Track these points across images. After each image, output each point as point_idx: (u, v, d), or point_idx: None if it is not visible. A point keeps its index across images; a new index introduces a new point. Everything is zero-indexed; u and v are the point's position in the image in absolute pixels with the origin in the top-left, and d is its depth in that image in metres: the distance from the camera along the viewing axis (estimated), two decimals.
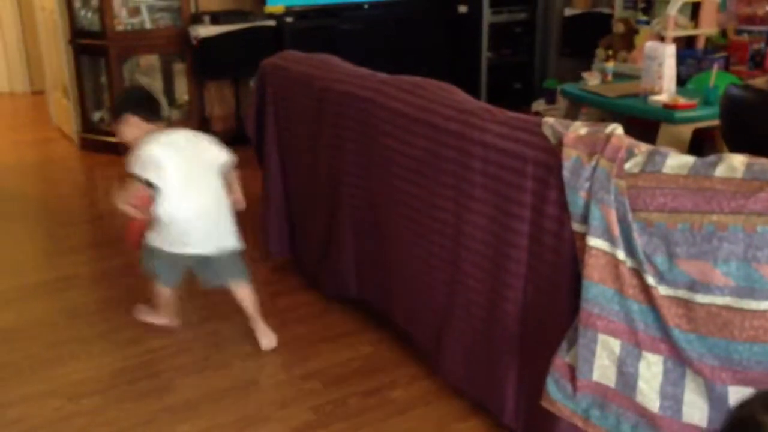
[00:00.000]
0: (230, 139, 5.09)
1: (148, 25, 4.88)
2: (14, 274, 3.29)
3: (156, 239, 2.54)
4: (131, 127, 2.54)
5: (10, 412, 2.33)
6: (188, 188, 2.49)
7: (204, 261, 2.56)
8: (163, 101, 5.05)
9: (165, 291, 2.67)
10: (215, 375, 2.51)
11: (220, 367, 2.55)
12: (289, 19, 4.98)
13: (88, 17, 4.84)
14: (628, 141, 1.78)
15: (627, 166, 1.71)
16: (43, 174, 4.58)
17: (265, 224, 3.16)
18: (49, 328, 2.82)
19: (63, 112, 5.28)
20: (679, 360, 1.67)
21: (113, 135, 4.77)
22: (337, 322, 2.82)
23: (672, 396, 1.68)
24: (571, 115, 4.01)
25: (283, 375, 2.51)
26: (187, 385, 2.45)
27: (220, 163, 2.63)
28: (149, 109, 2.59)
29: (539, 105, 5.64)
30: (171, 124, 5.02)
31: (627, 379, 1.72)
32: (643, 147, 1.76)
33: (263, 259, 3.24)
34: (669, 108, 3.39)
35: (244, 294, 2.66)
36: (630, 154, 1.73)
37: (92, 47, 4.79)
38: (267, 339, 2.67)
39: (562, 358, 1.80)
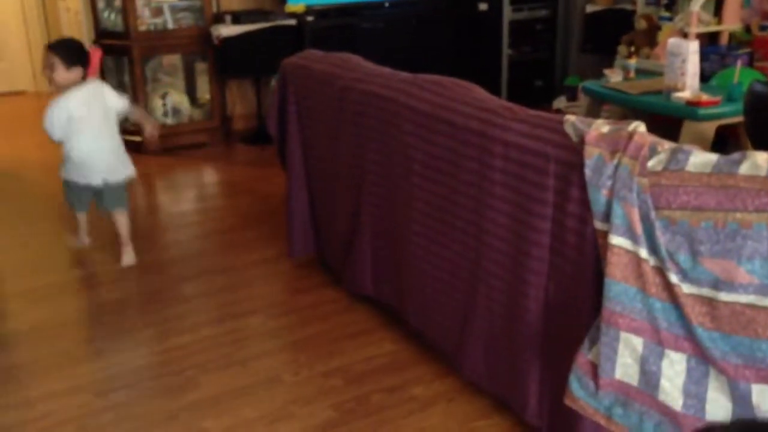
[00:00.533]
0: (252, 137, 5.18)
1: (170, 25, 4.93)
2: (43, 272, 3.35)
3: (65, 173, 3.28)
4: (57, 70, 3.15)
5: (39, 408, 2.37)
6: (86, 132, 3.18)
7: (98, 192, 3.28)
8: (185, 100, 5.10)
9: (79, 216, 3.44)
10: (238, 371, 2.53)
11: (242, 363, 2.58)
12: (309, 18, 5.00)
13: (111, 18, 4.90)
14: (651, 138, 1.77)
15: (650, 163, 1.71)
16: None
17: (289, 222, 3.18)
18: (77, 325, 2.87)
19: None
20: (702, 358, 1.66)
21: (137, 134, 4.85)
22: (360, 320, 2.83)
23: (695, 394, 1.68)
24: (593, 112, 4.00)
25: (305, 372, 2.53)
26: (211, 382, 2.48)
27: (117, 109, 3.31)
28: (70, 57, 3.17)
29: (560, 102, 5.61)
30: (192, 122, 5.08)
31: (650, 377, 1.72)
32: (666, 145, 1.76)
33: (287, 256, 3.26)
34: (692, 105, 3.36)
35: (121, 221, 3.35)
36: (653, 151, 1.73)
37: (116, 47, 4.85)
38: (128, 257, 3.33)
39: (584, 356, 1.80)
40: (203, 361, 2.59)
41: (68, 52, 3.16)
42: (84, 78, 3.20)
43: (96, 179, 3.23)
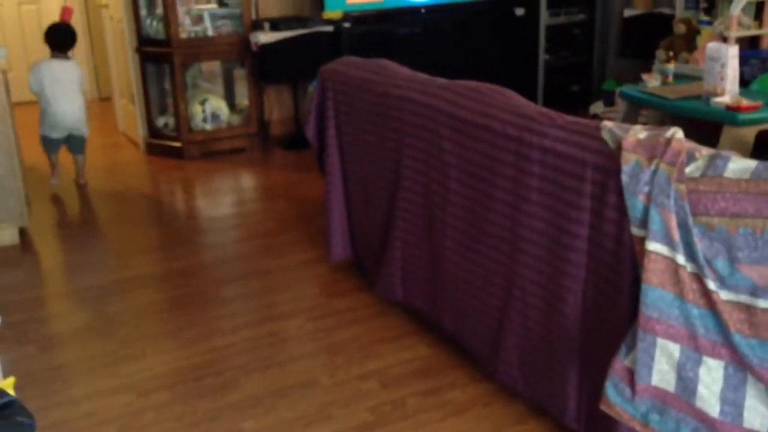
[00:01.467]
0: (289, 142, 5.25)
1: (210, 33, 5.02)
2: (89, 274, 3.44)
3: (42, 127, 4.43)
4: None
5: (83, 406, 2.44)
6: (56, 95, 4.34)
7: (66, 141, 4.49)
8: (223, 106, 5.19)
9: (53, 158, 4.50)
10: (277, 373, 2.58)
11: (281, 365, 2.63)
12: (347, 25, 5.05)
13: (153, 26, 5.00)
14: (689, 145, 1.77)
15: (688, 170, 1.71)
16: (112, 178, 4.76)
17: (327, 226, 3.22)
18: (121, 326, 2.94)
19: (129, 117, 5.47)
20: (740, 365, 1.65)
21: (178, 140, 4.95)
22: (396, 323, 2.86)
23: (733, 401, 1.67)
24: (630, 117, 3.97)
25: (342, 374, 2.56)
26: (251, 383, 2.53)
27: (80, 80, 4.48)
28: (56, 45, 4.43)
29: (597, 107, 5.58)
30: (231, 127, 5.16)
31: (687, 383, 1.72)
32: (704, 151, 1.75)
33: (325, 260, 3.31)
34: (732, 110, 3.33)
35: (80, 161, 4.57)
36: (691, 158, 1.73)
37: (157, 55, 4.96)
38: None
39: (621, 362, 1.81)
40: (243, 363, 2.64)
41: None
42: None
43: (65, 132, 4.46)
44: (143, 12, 5.00)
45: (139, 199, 4.43)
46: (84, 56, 6.67)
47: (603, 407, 1.84)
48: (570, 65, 5.85)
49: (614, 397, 1.82)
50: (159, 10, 4.93)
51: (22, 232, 3.79)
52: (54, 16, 6.61)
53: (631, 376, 1.79)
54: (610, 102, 5.44)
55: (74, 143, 4.49)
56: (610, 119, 2.03)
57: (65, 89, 4.34)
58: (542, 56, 5.69)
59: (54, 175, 4.52)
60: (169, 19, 4.81)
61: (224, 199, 4.49)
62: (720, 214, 1.63)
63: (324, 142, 3.17)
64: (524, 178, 2.12)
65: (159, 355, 2.72)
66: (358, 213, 3.11)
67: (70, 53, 4.46)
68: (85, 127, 4.51)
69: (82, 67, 4.67)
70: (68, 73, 4.38)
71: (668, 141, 1.77)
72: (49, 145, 4.46)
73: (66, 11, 4.56)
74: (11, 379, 1.46)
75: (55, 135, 4.41)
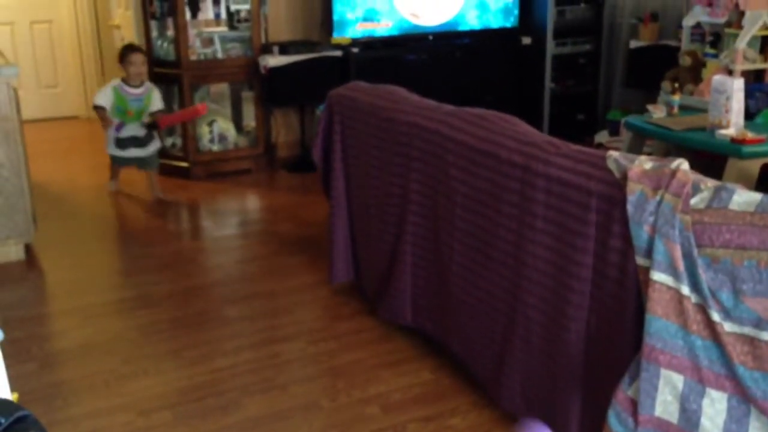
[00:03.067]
0: (295, 164, 5.28)
1: (220, 55, 5.07)
2: (94, 292, 3.44)
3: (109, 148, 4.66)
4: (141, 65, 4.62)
5: (84, 425, 2.44)
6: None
7: (135, 160, 4.71)
8: (231, 127, 5.23)
9: (116, 168, 4.77)
10: (278, 395, 2.57)
11: (282, 387, 2.62)
12: (355, 50, 5.11)
13: (164, 47, 5.06)
14: (694, 176, 1.79)
15: (693, 201, 1.72)
16: (120, 196, 4.78)
17: (330, 249, 3.23)
18: (124, 344, 2.94)
19: None
20: (743, 398, 1.65)
21: (185, 160, 4.98)
22: (398, 348, 2.86)
23: None
24: (635, 147, 4.00)
25: (343, 398, 2.56)
26: (252, 404, 2.52)
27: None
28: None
29: (602, 136, 5.61)
30: (238, 148, 5.19)
31: (690, 415, 1.72)
32: (710, 182, 1.77)
33: (328, 282, 3.31)
34: (737, 142, 3.35)
35: (153, 177, 4.73)
36: (696, 189, 1.74)
37: (167, 76, 5.01)
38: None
39: (624, 392, 1.81)
40: (245, 384, 2.64)
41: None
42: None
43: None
44: (154, 33, 5.06)
45: (145, 219, 4.44)
46: (94, 76, 6.75)
47: None
48: (575, 94, 5.89)
49: (616, 427, 1.81)
50: (170, 32, 4.99)
51: (28, 249, 3.80)
52: (66, 35, 6.71)
53: (634, 406, 1.78)
54: (614, 132, 5.47)
55: (142, 162, 4.70)
56: (614, 149, 2.05)
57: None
58: (548, 85, 5.74)
59: (112, 182, 4.79)
60: (179, 41, 4.86)
61: (229, 219, 4.51)
62: (725, 245, 1.64)
63: (330, 165, 3.19)
64: (529, 205, 2.13)
65: (161, 374, 2.71)
66: (362, 236, 3.12)
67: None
68: (154, 145, 4.71)
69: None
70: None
71: (673, 172, 1.79)
72: (116, 161, 4.72)
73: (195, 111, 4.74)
74: (15, 396, 1.47)
75: (121, 155, 4.64)
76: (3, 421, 0.81)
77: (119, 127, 4.58)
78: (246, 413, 2.47)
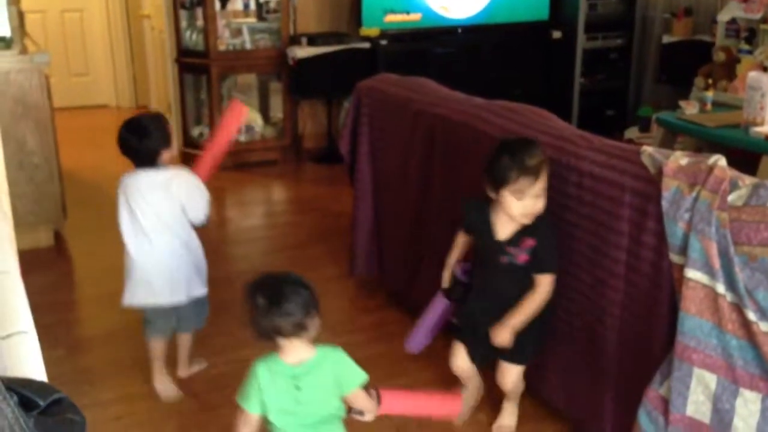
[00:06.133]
0: (321, 156, 5.28)
1: (248, 46, 5.08)
2: (121, 280, 3.40)
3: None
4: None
5: (111, 410, 2.46)
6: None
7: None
8: (258, 118, 5.24)
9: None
10: None
11: None
12: (383, 42, 5.08)
13: (193, 38, 5.08)
14: (732, 173, 1.75)
15: (730, 198, 1.68)
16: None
17: (354, 242, 3.22)
18: None
19: None
20: None
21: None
22: None
23: None
24: (667, 143, 3.93)
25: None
26: None
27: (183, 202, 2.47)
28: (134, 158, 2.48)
29: (632, 132, 5.53)
30: (264, 139, 5.20)
31: (722, 416, 1.69)
32: (748, 180, 1.73)
33: (350, 275, 3.31)
34: None
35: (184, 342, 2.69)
36: (734, 186, 1.70)
37: (196, 66, 5.03)
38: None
39: (655, 390, 1.78)
40: None
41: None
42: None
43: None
44: (184, 23, 5.08)
45: None
46: (124, 65, 6.79)
47: None
48: (606, 89, 5.82)
49: (647, 426, 1.79)
50: (199, 22, 5.01)
51: (57, 236, 3.84)
52: (97, 23, 6.76)
53: (665, 405, 1.76)
54: (645, 128, 5.39)
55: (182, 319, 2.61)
56: (645, 145, 2.01)
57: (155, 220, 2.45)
58: (578, 80, 5.67)
59: (157, 377, 2.62)
60: (208, 31, 4.88)
61: (255, 210, 4.52)
62: (763, 244, 1.61)
63: (356, 156, 3.18)
64: (561, 199, 2.10)
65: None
66: (388, 228, 3.11)
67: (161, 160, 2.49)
68: (201, 286, 2.59)
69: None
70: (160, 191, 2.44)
71: (710, 168, 1.75)
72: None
73: (237, 111, 2.73)
74: (45, 378, 1.48)
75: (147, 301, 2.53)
76: (41, 403, 0.81)
77: None
78: None
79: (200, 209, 2.48)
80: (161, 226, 2.43)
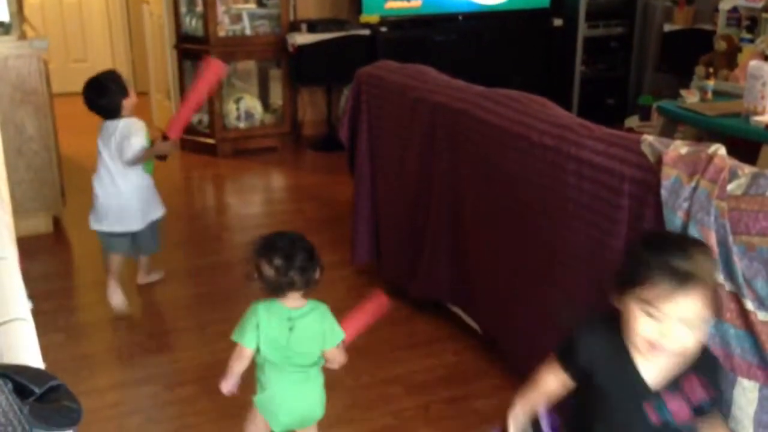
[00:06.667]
0: (320, 143, 5.27)
1: (248, 32, 5.06)
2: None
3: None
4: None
5: (109, 396, 2.47)
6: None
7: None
8: (257, 105, 5.22)
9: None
10: None
11: None
12: (383, 29, 5.06)
13: (192, 24, 5.06)
14: (731, 162, 1.75)
15: (729, 187, 1.68)
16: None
17: (353, 230, 3.22)
18: (149, 318, 2.97)
19: (164, 113, 5.52)
20: None
21: (212, 137, 4.99)
22: (422, 330, 2.85)
23: (767, 424, 1.64)
24: (667, 132, 3.92)
25: (366, 378, 2.56)
26: None
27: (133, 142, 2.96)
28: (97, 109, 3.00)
29: (633, 121, 5.53)
30: (264, 125, 5.19)
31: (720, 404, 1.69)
32: (747, 169, 1.73)
33: (349, 263, 3.31)
34: None
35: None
36: (733, 175, 1.70)
37: (195, 52, 5.00)
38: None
39: None
40: None
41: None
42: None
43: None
44: (183, 9, 5.05)
45: (170, 195, 4.45)
46: (123, 51, 6.76)
47: None
48: (606, 78, 5.81)
49: None
50: (199, 8, 4.98)
51: (56, 222, 3.84)
52: (96, 9, 6.73)
53: None
54: (645, 117, 5.38)
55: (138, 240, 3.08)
56: (646, 134, 2.01)
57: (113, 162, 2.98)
58: (578, 68, 5.66)
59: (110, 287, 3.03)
60: (208, 17, 4.85)
61: (254, 197, 4.52)
62: (761, 233, 1.61)
63: (356, 144, 3.17)
64: (560, 188, 2.10)
65: (185, 349, 2.74)
66: (387, 216, 3.11)
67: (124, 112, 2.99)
68: (157, 212, 3.11)
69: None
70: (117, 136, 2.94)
71: (710, 157, 1.75)
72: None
73: (213, 68, 2.98)
74: (42, 365, 1.48)
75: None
76: (37, 390, 0.81)
77: None
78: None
79: (129, 151, 2.90)
80: (119, 167, 2.94)
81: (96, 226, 3.00)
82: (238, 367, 1.96)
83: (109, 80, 2.94)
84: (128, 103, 2.95)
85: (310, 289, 1.93)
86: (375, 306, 2.32)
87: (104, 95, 2.92)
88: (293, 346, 1.92)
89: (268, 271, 1.87)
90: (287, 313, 1.91)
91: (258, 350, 1.93)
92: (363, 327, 2.33)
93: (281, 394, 1.97)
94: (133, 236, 3.02)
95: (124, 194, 2.95)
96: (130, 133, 2.92)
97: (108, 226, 2.97)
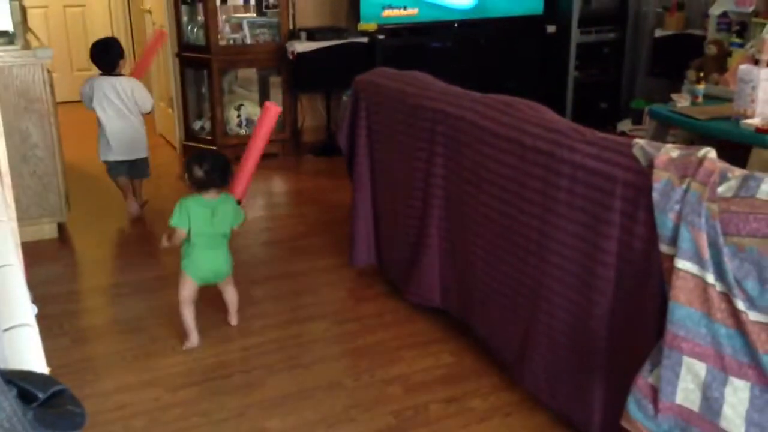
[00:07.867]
0: (320, 149, 5.32)
1: (248, 40, 5.11)
2: (123, 271, 3.52)
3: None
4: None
5: (112, 399, 2.50)
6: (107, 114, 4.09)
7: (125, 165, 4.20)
8: (258, 112, 5.26)
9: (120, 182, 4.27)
10: (302, 374, 2.62)
11: (306, 366, 2.67)
12: (381, 37, 5.12)
13: (194, 32, 5.11)
14: (722, 165, 1.79)
15: (720, 190, 1.72)
16: (148, 178, 4.85)
17: (353, 232, 3.27)
18: (152, 322, 3.00)
19: (167, 120, 5.58)
20: (766, 387, 1.66)
21: (213, 144, 5.04)
22: (421, 330, 2.90)
23: (758, 423, 1.67)
24: (659, 136, 3.98)
25: (366, 378, 2.60)
26: (277, 383, 2.57)
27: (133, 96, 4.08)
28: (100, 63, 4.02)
29: (625, 125, 5.59)
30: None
31: (711, 404, 1.72)
32: (737, 171, 1.77)
33: (349, 265, 3.36)
34: (761, 132, 3.33)
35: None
36: (723, 178, 1.74)
37: (197, 60, 5.06)
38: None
39: (644, 379, 1.82)
40: (270, 363, 2.69)
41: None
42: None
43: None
44: (185, 18, 5.11)
45: (175, 199, 4.49)
46: (126, 60, 6.79)
47: (624, 423, 1.85)
48: (599, 83, 5.86)
49: (636, 414, 1.83)
50: (200, 17, 5.04)
51: (61, 228, 3.88)
52: (99, 19, 6.78)
53: (654, 393, 1.79)
54: (637, 120, 5.44)
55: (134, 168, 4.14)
56: (637, 137, 2.05)
57: (113, 107, 3.98)
58: (572, 73, 5.72)
59: (128, 202, 4.16)
60: (209, 26, 4.91)
61: (255, 202, 4.56)
62: (751, 234, 1.65)
63: (355, 149, 3.22)
64: (554, 192, 2.15)
65: (189, 352, 2.77)
66: (386, 220, 3.16)
67: (120, 70, 4.05)
68: (143, 152, 4.14)
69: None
70: (119, 90, 3.98)
71: (701, 160, 1.79)
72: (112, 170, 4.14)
73: (159, 37, 4.58)
74: (47, 370, 1.51)
75: (112, 158, 4.07)
76: (41, 395, 0.81)
77: None
78: (270, 391, 2.53)
79: (147, 102, 4.09)
80: (117, 111, 3.99)
81: (111, 156, 4.04)
82: (176, 241, 2.74)
83: (112, 41, 4.09)
84: (123, 63, 4.03)
85: (224, 187, 2.74)
86: (267, 117, 2.96)
87: (108, 51, 3.95)
88: (215, 225, 2.73)
89: (198, 172, 2.68)
90: (208, 204, 2.71)
91: (189, 230, 2.70)
92: (262, 145, 2.96)
93: (201, 258, 2.75)
94: (132, 164, 4.10)
95: (138, 128, 4.05)
96: (134, 85, 4.01)
97: (120, 156, 4.04)
